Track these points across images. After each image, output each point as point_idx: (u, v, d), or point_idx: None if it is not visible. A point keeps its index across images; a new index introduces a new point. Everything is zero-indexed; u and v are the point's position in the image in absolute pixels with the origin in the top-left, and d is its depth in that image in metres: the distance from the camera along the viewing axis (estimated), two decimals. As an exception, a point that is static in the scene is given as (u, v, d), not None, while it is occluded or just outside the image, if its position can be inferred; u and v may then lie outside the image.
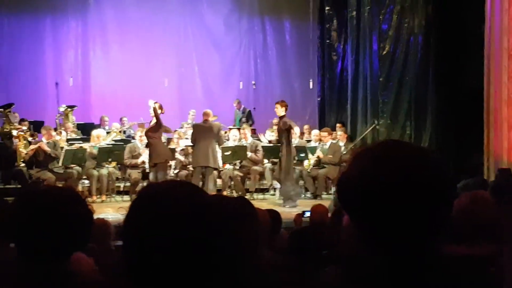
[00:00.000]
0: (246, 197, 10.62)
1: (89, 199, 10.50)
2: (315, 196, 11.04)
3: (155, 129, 10.23)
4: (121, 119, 13.89)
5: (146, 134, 10.40)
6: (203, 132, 10.39)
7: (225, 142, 11.67)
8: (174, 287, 1.19)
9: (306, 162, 11.31)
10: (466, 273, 1.32)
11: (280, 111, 10.17)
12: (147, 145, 10.44)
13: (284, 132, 10.10)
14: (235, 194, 10.59)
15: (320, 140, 11.72)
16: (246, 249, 1.89)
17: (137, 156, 10.89)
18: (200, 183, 10.22)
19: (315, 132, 12.20)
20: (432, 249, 1.22)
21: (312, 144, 11.85)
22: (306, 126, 13.64)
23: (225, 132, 12.71)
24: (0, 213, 2.44)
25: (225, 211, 1.76)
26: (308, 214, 5.67)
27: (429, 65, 11.68)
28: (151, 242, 1.16)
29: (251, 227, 1.97)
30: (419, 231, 1.20)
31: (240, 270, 1.85)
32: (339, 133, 12.22)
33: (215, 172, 10.85)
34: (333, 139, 11.87)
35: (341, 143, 11.76)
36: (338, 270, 2.18)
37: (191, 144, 10.79)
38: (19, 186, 10.42)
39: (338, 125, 13.31)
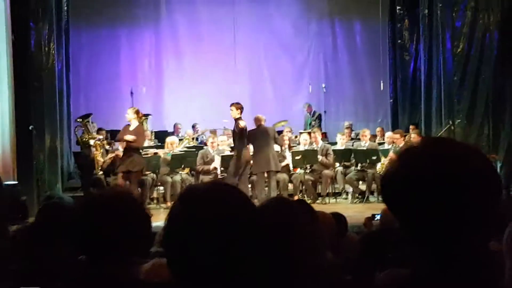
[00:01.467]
0: (317, 201, 10.63)
1: (164, 205, 10.78)
2: (389, 199, 10.81)
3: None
4: (193, 126, 14.17)
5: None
6: (260, 137, 10.25)
7: (295, 146, 11.67)
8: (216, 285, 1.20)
9: (379, 165, 11.13)
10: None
11: (235, 113, 9.98)
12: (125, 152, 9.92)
13: (237, 134, 9.95)
14: (306, 199, 10.56)
15: (393, 142, 11.50)
16: (301, 252, 1.88)
17: (209, 162, 11.04)
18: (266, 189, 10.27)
19: (388, 134, 11.98)
20: (478, 247, 1.19)
21: (386, 146, 11.65)
22: (378, 129, 13.45)
23: (296, 137, 12.71)
24: (65, 218, 2.55)
25: (274, 214, 1.77)
26: (378, 217, 5.58)
27: (506, 63, 11.25)
28: (189, 243, 1.18)
29: (308, 230, 1.96)
30: (460, 228, 1.18)
31: (294, 273, 1.84)
32: (413, 135, 11.95)
33: (287, 177, 10.87)
34: (407, 141, 11.63)
35: (416, 146, 11.46)
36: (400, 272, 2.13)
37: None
38: (98, 193, 10.77)
39: (411, 127, 13.04)
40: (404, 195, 1.20)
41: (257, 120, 10.46)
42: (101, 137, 11.65)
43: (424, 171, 1.18)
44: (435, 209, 1.17)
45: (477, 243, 1.19)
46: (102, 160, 10.94)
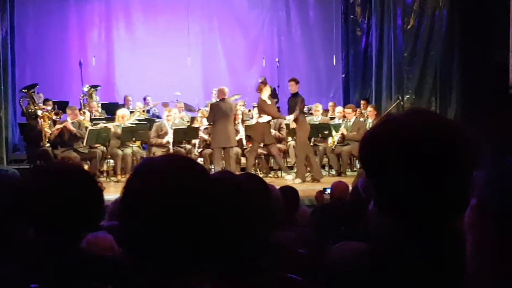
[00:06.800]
0: (270, 175, 10.67)
1: (114, 178, 10.63)
2: (340, 173, 10.97)
3: None
4: (145, 99, 13.94)
5: None
6: (222, 112, 10.23)
7: (249, 120, 11.65)
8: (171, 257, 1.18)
9: (330, 140, 11.24)
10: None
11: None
12: None
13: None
14: (259, 173, 10.58)
15: (344, 116, 11.61)
16: (253, 224, 1.87)
17: (163, 135, 10.88)
18: (222, 162, 10.23)
19: (339, 109, 12.09)
20: (447, 223, 1.17)
21: (336, 121, 11.75)
22: (330, 103, 13.53)
23: (249, 110, 12.68)
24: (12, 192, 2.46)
25: (227, 185, 1.75)
26: (329, 191, 5.64)
27: (454, 40, 11.51)
28: (145, 214, 1.15)
29: (259, 203, 1.94)
30: (436, 202, 1.16)
31: (247, 246, 1.83)
32: (369, 109, 12.06)
33: (240, 151, 10.85)
34: (359, 116, 11.77)
35: (370, 120, 11.63)
36: (353, 245, 2.15)
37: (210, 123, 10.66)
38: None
39: (362, 102, 13.19)
40: (383, 160, 1.18)
41: (220, 93, 10.49)
42: (48, 108, 11.32)
43: (407, 138, 1.16)
44: (413, 178, 1.15)
45: (447, 219, 1.17)
46: (49, 131, 10.65)
